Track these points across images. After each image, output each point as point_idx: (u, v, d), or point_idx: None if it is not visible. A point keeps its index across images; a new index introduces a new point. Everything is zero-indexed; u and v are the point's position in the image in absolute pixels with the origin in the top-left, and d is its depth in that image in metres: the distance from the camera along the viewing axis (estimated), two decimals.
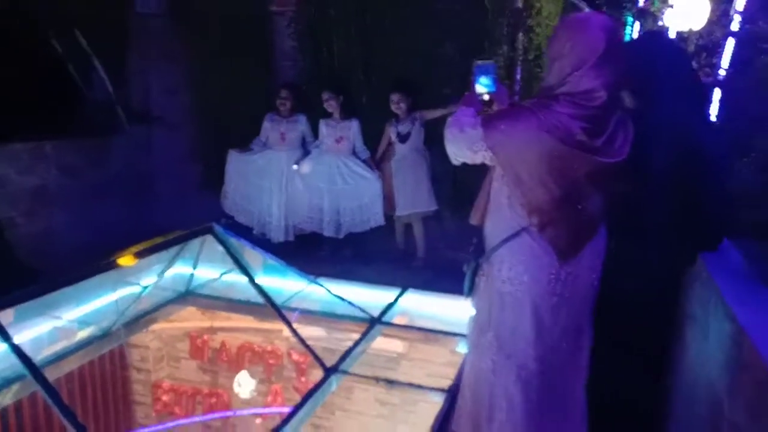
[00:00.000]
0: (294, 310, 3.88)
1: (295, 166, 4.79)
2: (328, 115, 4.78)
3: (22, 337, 2.97)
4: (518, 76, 5.09)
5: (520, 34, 4.95)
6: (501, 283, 1.93)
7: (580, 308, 1.98)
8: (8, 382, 3.02)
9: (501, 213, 1.92)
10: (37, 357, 3.13)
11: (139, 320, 3.98)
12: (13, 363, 2.66)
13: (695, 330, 2.05)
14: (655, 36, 3.11)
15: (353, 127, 4.74)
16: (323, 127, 4.81)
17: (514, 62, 4.93)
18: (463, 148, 1.91)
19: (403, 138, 4.54)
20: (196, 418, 4.76)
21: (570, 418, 2.10)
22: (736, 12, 3.28)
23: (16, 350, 2.55)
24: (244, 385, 4.63)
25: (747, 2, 3.25)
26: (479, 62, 1.98)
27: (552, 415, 2.01)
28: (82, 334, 3.69)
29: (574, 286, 1.91)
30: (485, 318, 2.01)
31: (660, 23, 4.70)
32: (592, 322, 2.07)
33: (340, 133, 4.72)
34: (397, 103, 4.48)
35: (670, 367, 2.39)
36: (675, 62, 2.32)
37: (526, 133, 1.78)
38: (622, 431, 2.34)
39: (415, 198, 4.60)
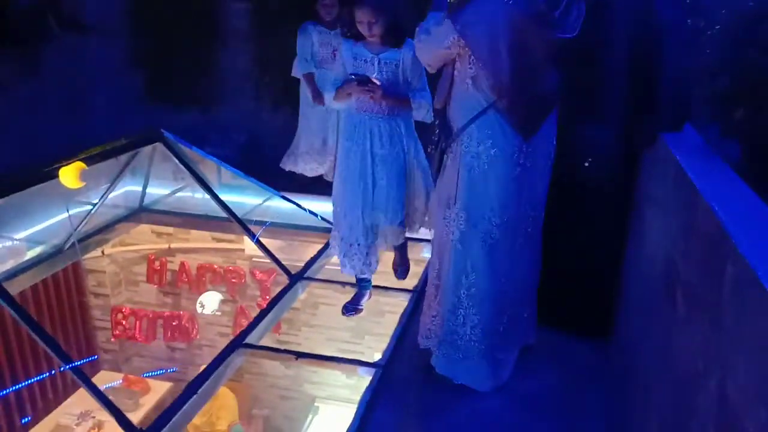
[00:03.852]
0: (255, 222, 3.78)
1: None
2: None
3: None
4: None
5: None
6: (470, 158, 2.07)
7: (539, 179, 2.16)
8: None
9: (466, 94, 2.05)
10: None
11: (92, 238, 3.82)
12: None
13: (655, 209, 2.09)
14: None
15: None
16: None
17: None
18: (432, 48, 2.07)
19: None
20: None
21: (525, 281, 2.29)
22: None
23: None
24: (207, 305, 4.57)
25: None
26: None
27: (512, 280, 2.20)
28: (32, 252, 3.53)
29: (534, 157, 2.08)
30: (452, 192, 2.14)
31: None
32: (546, 195, 2.22)
33: None
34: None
35: (630, 243, 2.44)
36: None
37: (491, 8, 1.90)
38: (581, 300, 2.44)
39: None
